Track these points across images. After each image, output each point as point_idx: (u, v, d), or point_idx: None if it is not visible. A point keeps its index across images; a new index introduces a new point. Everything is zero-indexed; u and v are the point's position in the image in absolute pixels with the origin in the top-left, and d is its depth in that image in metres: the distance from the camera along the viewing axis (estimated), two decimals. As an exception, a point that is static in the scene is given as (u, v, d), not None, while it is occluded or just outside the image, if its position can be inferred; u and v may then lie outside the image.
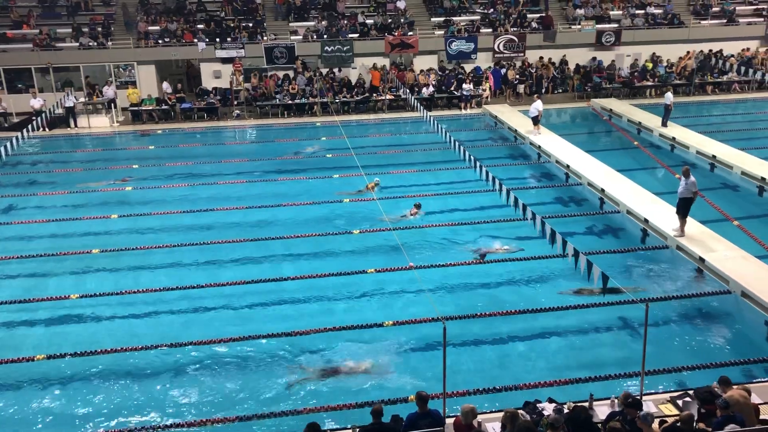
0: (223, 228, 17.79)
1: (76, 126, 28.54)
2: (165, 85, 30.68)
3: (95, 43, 30.93)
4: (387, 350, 12.21)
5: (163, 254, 16.28)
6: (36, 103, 27.96)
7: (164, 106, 29.60)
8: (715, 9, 35.81)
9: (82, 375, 11.73)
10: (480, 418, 9.00)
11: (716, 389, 9.28)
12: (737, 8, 35.96)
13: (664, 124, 25.55)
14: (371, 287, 14.51)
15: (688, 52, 33.72)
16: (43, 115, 26.32)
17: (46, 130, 27.44)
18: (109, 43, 31.24)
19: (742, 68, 31.34)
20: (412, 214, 18.11)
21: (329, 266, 15.35)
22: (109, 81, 30.38)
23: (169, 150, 25.59)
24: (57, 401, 11.08)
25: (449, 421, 9.07)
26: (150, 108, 29.41)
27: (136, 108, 29.40)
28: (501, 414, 8.74)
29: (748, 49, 34.35)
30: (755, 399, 9.35)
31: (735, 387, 9.18)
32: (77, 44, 30.89)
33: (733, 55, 33.80)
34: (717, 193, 19.69)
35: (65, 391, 11.36)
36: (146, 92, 30.32)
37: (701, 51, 33.80)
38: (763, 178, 19.89)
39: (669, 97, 25.32)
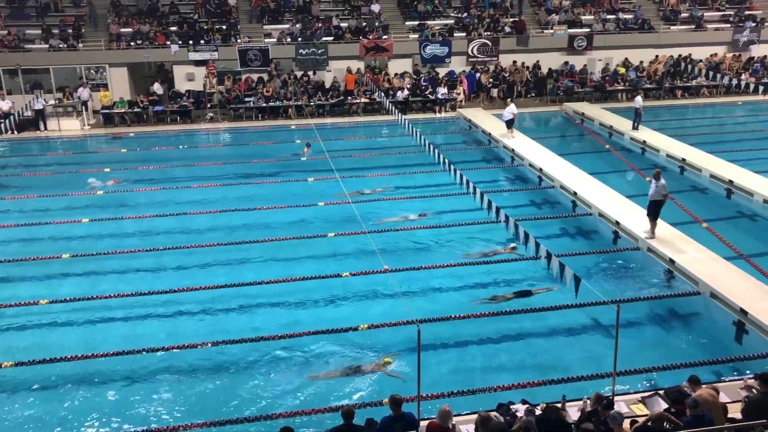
0: (197, 232, 17.65)
1: (45, 129, 28.12)
2: (156, 86, 30.31)
3: (65, 45, 30.49)
4: (361, 353, 12.20)
5: (135, 259, 16.09)
6: (4, 105, 27.52)
7: (136, 109, 29.29)
8: (683, 15, 36.46)
9: (52, 382, 11.55)
10: (454, 420, 9.03)
11: (686, 389, 9.44)
12: (705, 14, 36.66)
13: (635, 128, 25.91)
14: (346, 290, 14.49)
15: (657, 56, 34.29)
16: (12, 117, 25.91)
17: (15, 132, 27.01)
18: (80, 44, 30.83)
19: (710, 73, 31.93)
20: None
21: (304, 270, 15.31)
22: (83, 83, 29.98)
23: (142, 153, 25.33)
24: (27, 410, 10.88)
25: (423, 423, 9.10)
26: (122, 111, 29.09)
27: (107, 111, 29.05)
28: (475, 416, 8.78)
29: (715, 55, 35.02)
30: (723, 398, 9.51)
31: (704, 386, 9.34)
32: (47, 46, 30.44)
33: (701, 60, 34.43)
34: (686, 195, 20.02)
35: (34, 398, 11.17)
36: (118, 95, 29.97)
37: (671, 56, 34.39)
38: (730, 181, 20.27)
39: (638, 101, 25.72)
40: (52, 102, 28.83)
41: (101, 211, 19.10)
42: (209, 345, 12.36)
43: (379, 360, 11.83)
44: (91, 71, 30.93)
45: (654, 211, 15.79)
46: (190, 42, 31.13)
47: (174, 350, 12.24)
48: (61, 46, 30.50)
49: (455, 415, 9.22)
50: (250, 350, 12.31)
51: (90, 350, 12.22)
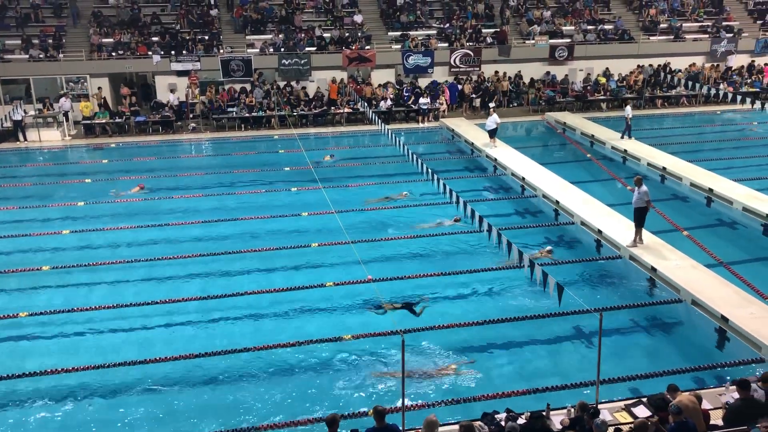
0: (180, 242, 17.52)
1: (25, 140, 27.83)
2: (172, 97, 29.96)
3: (45, 55, 30.24)
4: (346, 364, 12.16)
5: (117, 270, 15.92)
6: (-17, 116, 27.21)
7: (117, 120, 29.08)
8: (663, 25, 36.94)
9: (32, 396, 11.38)
10: (439, 430, 8.99)
11: (668, 396, 9.49)
12: (684, 25, 37.18)
13: (626, 137, 26.09)
14: (330, 300, 14.44)
15: (639, 66, 34.70)
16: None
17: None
18: (61, 55, 30.60)
19: (689, 83, 32.34)
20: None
21: (287, 280, 15.24)
22: (67, 94, 29.74)
23: (123, 164, 25.15)
24: (8, 426, 10.71)
25: (408, 434, 9.08)
26: (103, 121, 28.87)
27: (88, 121, 28.82)
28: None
29: (694, 64, 35.49)
30: (706, 405, 9.56)
31: (685, 393, 9.39)
32: (27, 56, 30.18)
33: (680, 70, 34.87)
34: (667, 204, 20.20)
35: (13, 413, 10.99)
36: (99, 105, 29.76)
37: (650, 65, 34.80)
38: (710, 189, 20.50)
39: (628, 111, 26.05)
40: (32, 113, 28.57)
41: (81, 222, 18.91)
42: (187, 358, 12.25)
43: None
44: (71, 83, 30.63)
45: (638, 218, 15.93)
46: (172, 52, 31.02)
47: (160, 363, 12.09)
48: (41, 56, 30.27)
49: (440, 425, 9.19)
50: (232, 361, 12.20)
51: (72, 364, 12.06)
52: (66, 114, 28.86)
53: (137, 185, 21.84)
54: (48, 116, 28.39)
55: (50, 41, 31.01)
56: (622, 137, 26.11)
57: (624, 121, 26.09)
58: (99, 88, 30.04)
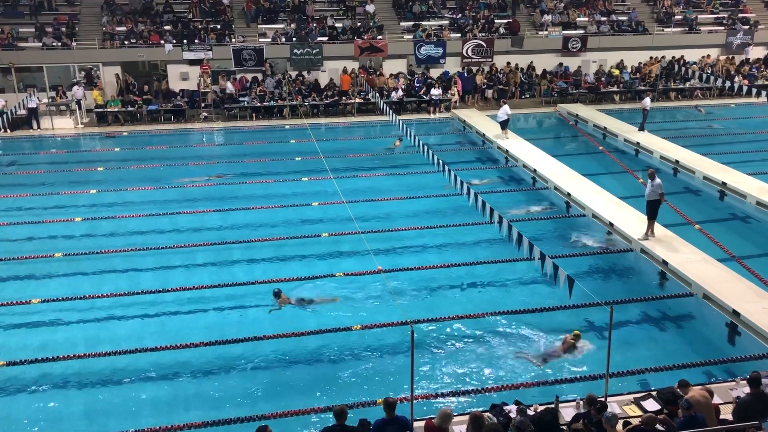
0: (190, 231, 17.60)
1: (39, 127, 27.98)
2: (228, 84, 29.99)
3: (59, 44, 30.37)
4: (355, 354, 12.19)
5: (127, 257, 16.02)
6: (-3, 103, 27.37)
7: (130, 108, 29.17)
8: (677, 17, 36.58)
9: (47, 381, 11.49)
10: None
11: (678, 391, 9.45)
12: (698, 17, 36.81)
13: (641, 129, 25.95)
14: (339, 291, 14.46)
15: (652, 58, 34.41)
16: (5, 116, 25.75)
17: (8, 131, 26.89)
18: (74, 43, 30.70)
19: (704, 75, 32.04)
20: None
21: (297, 270, 15.29)
22: (80, 82, 29.87)
23: (135, 152, 25.25)
24: (18, 411, 10.82)
25: (418, 424, 9.08)
26: (115, 110, 28.97)
27: (101, 110, 28.93)
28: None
29: (708, 56, 35.15)
30: (716, 399, 9.52)
31: (697, 387, 9.35)
32: (40, 44, 30.31)
33: (695, 63, 34.55)
34: (680, 197, 20.05)
35: (28, 399, 11.11)
36: (111, 94, 29.85)
37: (663, 56, 34.50)
38: (723, 183, 20.34)
39: (647, 103, 25.90)
40: (45, 100, 28.71)
41: (93, 210, 19.02)
42: (196, 346, 12.33)
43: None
44: (84, 72, 30.78)
45: (651, 210, 15.84)
46: (185, 41, 31.05)
47: (161, 351, 12.18)
48: (54, 44, 30.38)
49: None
50: (246, 351, 12.27)
51: (82, 350, 12.17)
52: (79, 102, 28.99)
53: (216, 174, 22.17)
54: (61, 104, 28.52)
55: (63, 29, 31.11)
56: (641, 129, 25.88)
57: (642, 113, 25.89)
58: (95, 78, 30.29)
